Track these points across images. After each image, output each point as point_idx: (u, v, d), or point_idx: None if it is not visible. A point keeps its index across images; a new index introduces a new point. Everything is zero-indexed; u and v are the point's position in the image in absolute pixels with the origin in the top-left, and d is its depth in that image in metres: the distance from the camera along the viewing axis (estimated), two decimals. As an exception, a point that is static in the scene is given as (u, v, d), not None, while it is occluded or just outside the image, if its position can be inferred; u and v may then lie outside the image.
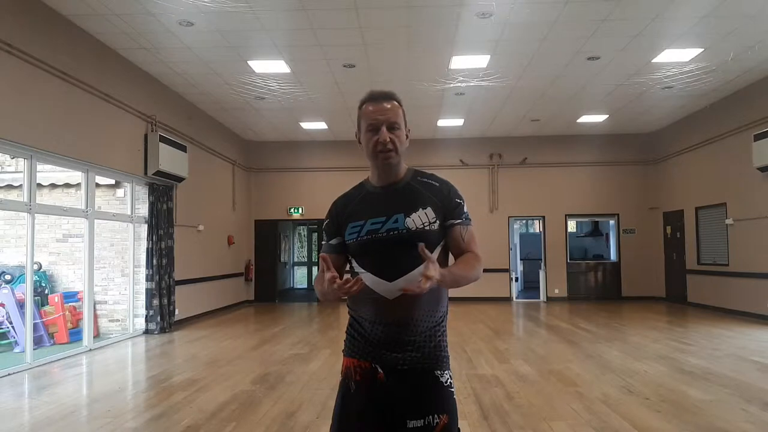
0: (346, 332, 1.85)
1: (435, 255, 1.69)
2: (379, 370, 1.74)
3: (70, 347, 7.35)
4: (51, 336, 8.03)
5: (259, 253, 13.46)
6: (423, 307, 1.72)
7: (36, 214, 6.27)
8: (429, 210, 1.74)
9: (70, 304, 8.40)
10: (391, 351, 1.72)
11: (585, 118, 11.54)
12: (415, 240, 1.66)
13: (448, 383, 1.75)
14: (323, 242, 1.90)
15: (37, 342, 7.35)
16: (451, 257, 1.81)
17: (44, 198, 8.47)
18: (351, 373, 1.78)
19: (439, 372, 1.74)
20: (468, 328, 8.66)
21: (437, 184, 1.81)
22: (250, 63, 8.01)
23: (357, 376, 1.76)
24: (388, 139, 1.72)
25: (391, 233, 1.72)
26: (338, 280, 1.56)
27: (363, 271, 1.75)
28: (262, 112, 10.70)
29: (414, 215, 1.73)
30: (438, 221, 1.75)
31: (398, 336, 1.71)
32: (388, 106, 1.76)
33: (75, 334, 8.03)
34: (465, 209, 1.80)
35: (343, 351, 1.85)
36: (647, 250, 12.96)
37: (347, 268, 1.85)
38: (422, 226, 1.72)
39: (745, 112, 9.45)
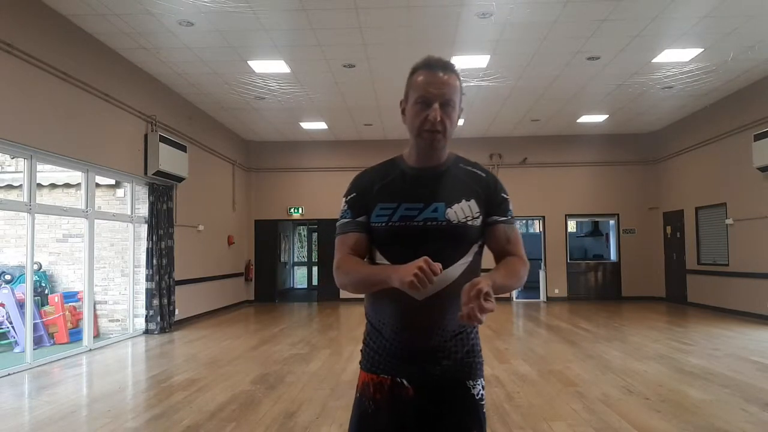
0: (363, 342, 1.64)
1: (471, 255, 1.54)
2: (406, 384, 1.53)
3: (70, 347, 7.35)
4: (51, 336, 8.03)
5: (259, 253, 13.46)
6: (456, 308, 1.45)
7: (36, 214, 6.27)
8: (473, 202, 1.54)
9: (70, 304, 8.40)
10: (418, 361, 1.52)
11: (585, 118, 11.54)
12: (456, 234, 1.49)
13: (479, 395, 1.56)
14: (345, 219, 1.60)
15: (37, 342, 7.34)
16: (485, 255, 1.62)
17: (44, 198, 8.48)
18: (369, 391, 1.57)
19: (471, 382, 1.55)
20: (468, 328, 8.64)
21: (483, 175, 1.61)
22: (250, 63, 8.01)
23: (376, 394, 1.55)
24: (439, 119, 1.49)
25: (429, 224, 1.50)
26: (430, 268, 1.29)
27: (386, 262, 1.53)
28: (262, 112, 10.70)
29: (456, 206, 1.52)
30: (481, 216, 1.55)
31: (427, 343, 1.51)
32: (446, 78, 1.51)
33: (75, 334, 8.03)
34: (511, 206, 1.61)
35: (360, 363, 1.64)
36: (647, 250, 12.96)
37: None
38: (464, 219, 1.52)
39: (745, 112, 9.45)
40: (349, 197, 1.61)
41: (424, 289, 1.30)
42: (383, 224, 1.53)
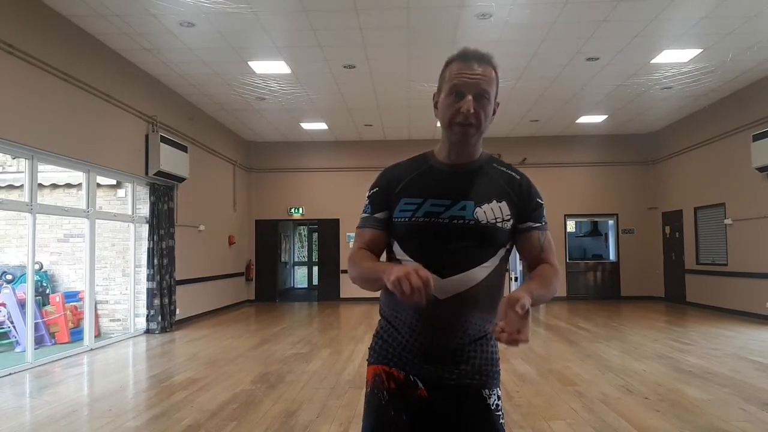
0: (374, 337, 1.56)
1: (497, 258, 1.46)
2: (420, 384, 1.45)
3: (71, 347, 7.37)
4: (52, 336, 8.05)
5: (260, 253, 13.48)
6: (477, 311, 1.44)
7: (37, 214, 6.30)
8: (504, 204, 1.46)
9: (71, 303, 8.42)
10: (435, 362, 1.44)
11: (584, 119, 11.56)
12: (484, 235, 1.42)
13: (495, 405, 1.47)
14: (365, 214, 1.55)
15: (38, 341, 7.36)
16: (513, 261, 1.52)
17: (45, 198, 8.50)
18: (383, 381, 1.48)
19: (486, 392, 1.46)
20: (468, 327, 8.67)
21: (518, 177, 1.53)
22: (251, 64, 8.03)
23: (390, 383, 1.47)
24: (472, 111, 1.41)
25: (456, 222, 1.43)
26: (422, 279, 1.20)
27: (408, 259, 1.45)
28: (263, 112, 10.72)
29: (486, 206, 1.44)
30: (512, 220, 1.47)
31: (445, 343, 1.43)
32: (481, 70, 1.44)
33: (76, 334, 8.05)
34: (545, 212, 1.54)
35: (368, 360, 1.56)
36: (646, 250, 12.98)
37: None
38: (494, 221, 1.44)
39: (743, 113, 9.47)
40: (371, 192, 1.56)
41: (410, 297, 1.20)
42: (406, 219, 1.46)
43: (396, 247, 1.50)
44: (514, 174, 1.53)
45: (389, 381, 1.48)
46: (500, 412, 1.49)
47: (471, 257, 1.42)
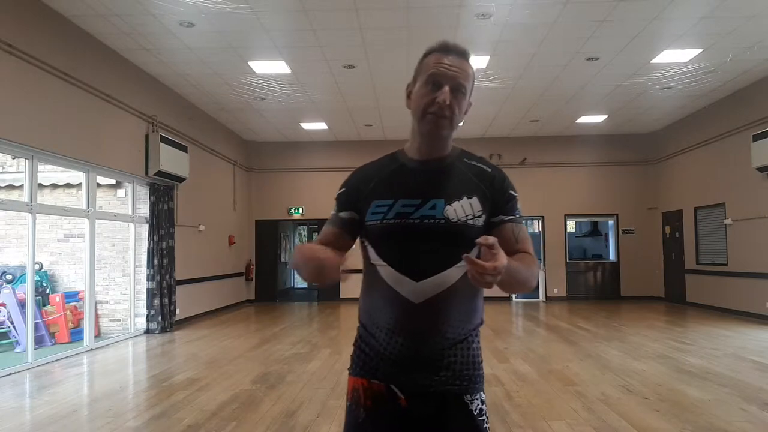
0: (354, 345, 1.53)
1: (474, 252, 1.35)
2: (399, 393, 1.41)
3: (71, 347, 7.37)
4: (52, 336, 8.05)
5: (260, 253, 13.48)
6: (455, 314, 1.40)
7: (37, 214, 6.29)
8: (475, 200, 1.42)
9: (71, 303, 8.42)
10: (414, 369, 1.40)
11: (584, 119, 11.56)
12: (454, 234, 1.39)
13: (478, 411, 1.43)
14: (332, 212, 1.54)
15: (38, 341, 7.36)
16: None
17: (45, 198, 8.50)
18: (360, 398, 1.46)
19: (468, 397, 1.42)
20: (468, 327, 8.67)
21: (489, 170, 1.49)
22: (251, 64, 8.03)
23: (367, 401, 1.44)
24: (448, 102, 1.38)
25: (426, 221, 1.39)
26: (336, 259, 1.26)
27: (382, 263, 1.42)
28: (263, 112, 10.72)
29: (456, 203, 1.41)
30: (484, 215, 1.43)
31: (423, 349, 1.39)
32: (460, 63, 1.41)
33: (76, 334, 8.05)
34: (519, 204, 1.49)
35: (349, 369, 1.52)
36: (646, 250, 12.98)
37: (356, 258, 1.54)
38: (465, 218, 1.40)
39: (743, 113, 9.47)
40: (339, 192, 1.55)
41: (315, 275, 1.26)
42: (378, 222, 1.43)
43: (371, 253, 1.46)
44: (485, 167, 1.50)
45: (366, 398, 1.44)
46: (484, 417, 1.44)
47: (444, 258, 1.38)
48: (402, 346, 1.40)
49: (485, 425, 1.44)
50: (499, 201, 1.46)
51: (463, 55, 1.43)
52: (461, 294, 1.38)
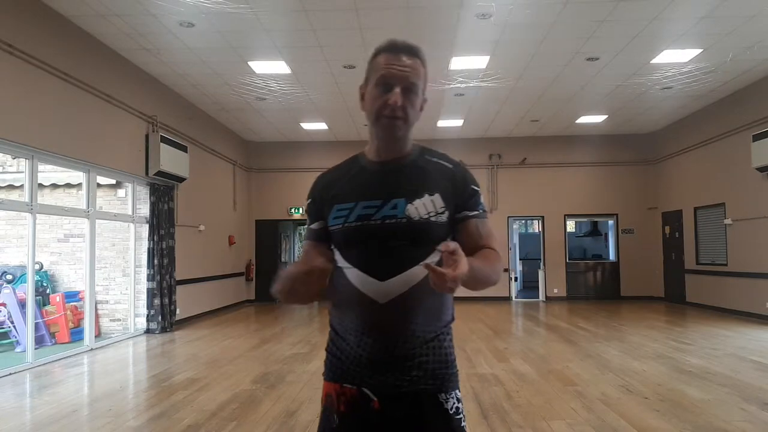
0: (326, 350, 1.51)
1: (437, 254, 1.36)
2: (372, 396, 1.39)
3: (72, 347, 7.37)
4: (52, 335, 8.05)
5: (260, 253, 13.49)
6: (422, 313, 1.39)
7: (37, 214, 6.30)
8: (437, 197, 1.41)
9: (71, 303, 8.42)
10: (385, 371, 1.38)
11: (584, 119, 11.56)
12: (417, 232, 1.38)
13: (455, 409, 1.41)
14: (306, 226, 1.55)
15: (39, 341, 7.37)
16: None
17: (45, 198, 8.50)
18: (333, 403, 1.43)
19: (444, 396, 1.40)
20: (467, 327, 8.68)
21: (450, 166, 1.48)
22: (251, 64, 8.03)
23: (341, 406, 1.42)
24: (400, 103, 1.37)
25: (387, 222, 1.38)
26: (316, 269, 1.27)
27: (348, 266, 1.41)
28: (263, 112, 10.72)
29: (418, 202, 1.39)
30: (447, 212, 1.42)
31: (393, 350, 1.37)
32: (409, 62, 1.39)
33: (76, 334, 8.06)
34: (482, 199, 1.49)
35: (323, 374, 1.50)
36: (646, 250, 12.98)
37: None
38: (427, 216, 1.39)
39: (743, 113, 9.47)
40: (306, 203, 1.55)
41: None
42: (340, 226, 1.42)
43: (337, 255, 1.46)
44: (446, 163, 1.48)
45: (339, 403, 1.42)
46: (461, 416, 1.42)
47: (408, 256, 1.37)
48: (372, 347, 1.38)
49: (462, 423, 1.42)
50: (462, 197, 1.45)
51: (413, 52, 1.41)
52: (428, 292, 1.30)
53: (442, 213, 1.41)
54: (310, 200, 1.54)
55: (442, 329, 1.44)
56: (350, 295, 1.40)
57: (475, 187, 1.48)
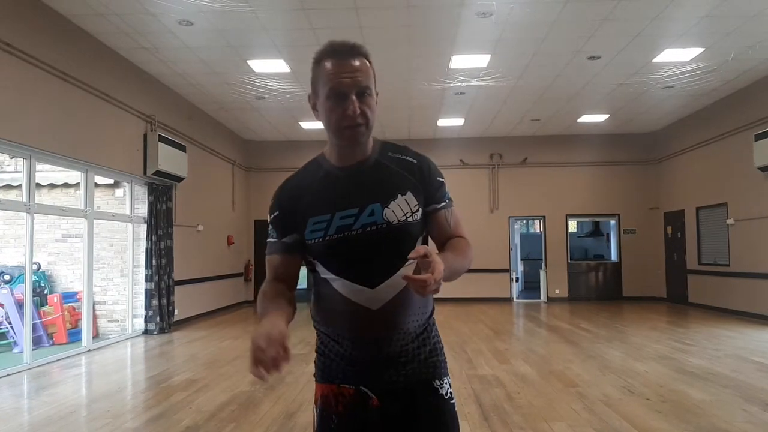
0: (316, 352, 1.51)
1: (412, 265, 1.38)
2: (371, 394, 1.41)
3: (69, 347, 7.33)
4: (50, 336, 8.02)
5: (259, 253, 13.43)
6: (413, 308, 1.42)
7: (35, 214, 6.26)
8: (409, 195, 1.40)
9: (69, 304, 8.38)
10: (381, 368, 1.41)
11: (585, 118, 11.53)
12: (398, 236, 1.38)
13: (448, 394, 1.46)
14: (270, 239, 1.46)
15: (36, 342, 7.33)
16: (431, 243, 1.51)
17: (43, 198, 8.47)
18: (331, 404, 1.44)
19: (438, 382, 1.45)
20: (468, 328, 8.64)
21: (414, 161, 1.46)
22: (250, 62, 8.00)
23: (339, 407, 1.43)
24: (359, 111, 1.34)
25: (369, 229, 1.36)
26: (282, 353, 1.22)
27: (334, 276, 1.40)
28: (262, 111, 10.69)
29: (393, 204, 1.38)
30: (420, 208, 1.42)
31: (388, 349, 1.40)
32: (357, 64, 1.35)
33: (74, 335, 8.02)
34: (447, 188, 1.50)
35: (314, 376, 1.51)
36: (648, 251, 12.94)
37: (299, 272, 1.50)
38: (404, 217, 1.38)
39: (745, 112, 9.43)
40: (272, 216, 1.47)
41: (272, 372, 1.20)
42: (320, 240, 1.39)
43: (319, 267, 1.43)
44: (410, 158, 1.46)
45: (337, 404, 1.43)
46: (454, 400, 1.48)
47: (393, 261, 1.37)
48: (368, 349, 1.40)
49: (455, 408, 1.47)
50: (429, 190, 1.45)
51: (356, 52, 1.36)
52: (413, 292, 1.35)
53: (417, 211, 1.41)
54: (277, 213, 1.46)
55: (428, 320, 1.48)
56: (341, 305, 1.39)
57: (441, 179, 1.48)
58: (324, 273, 1.43)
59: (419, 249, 1.21)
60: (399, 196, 1.40)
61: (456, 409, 1.48)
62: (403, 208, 1.39)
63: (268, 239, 1.48)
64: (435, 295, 1.33)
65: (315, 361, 1.51)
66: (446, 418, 1.44)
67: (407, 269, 1.37)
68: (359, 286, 1.37)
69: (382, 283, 1.37)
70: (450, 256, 1.34)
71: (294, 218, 1.43)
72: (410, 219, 1.40)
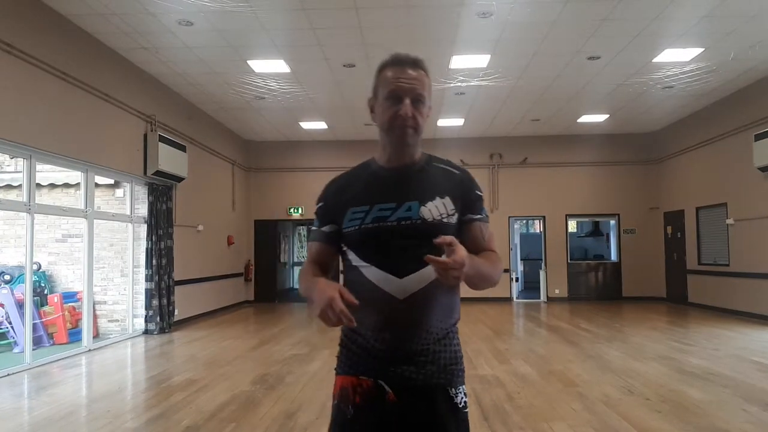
0: (340, 345, 1.58)
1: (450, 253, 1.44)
2: (387, 388, 1.47)
3: (70, 347, 7.34)
4: (50, 336, 8.02)
5: (259, 253, 13.45)
6: (438, 309, 1.48)
7: (35, 214, 6.26)
8: (447, 200, 1.51)
9: (69, 304, 8.38)
10: (401, 363, 1.46)
11: (585, 118, 11.53)
12: (431, 233, 1.43)
13: (463, 404, 1.51)
14: (313, 228, 1.62)
15: (37, 342, 7.33)
16: None
17: (43, 198, 8.47)
18: (349, 396, 1.50)
19: (453, 390, 1.50)
20: (468, 328, 8.64)
21: (457, 172, 1.58)
22: (250, 63, 8.00)
23: (357, 398, 1.49)
24: (411, 114, 1.47)
25: (403, 223, 1.47)
26: (342, 306, 1.28)
27: (365, 264, 1.49)
28: (262, 111, 10.69)
29: (430, 204, 1.49)
30: (456, 213, 1.52)
31: (409, 344, 1.46)
32: (415, 74, 1.50)
33: (74, 335, 8.02)
34: (484, 205, 1.60)
35: (335, 369, 1.57)
36: (648, 251, 12.94)
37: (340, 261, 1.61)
38: (440, 217, 1.48)
39: (745, 112, 9.43)
40: (317, 206, 1.62)
41: (337, 324, 1.29)
42: (356, 228, 1.50)
43: (351, 255, 1.53)
44: (453, 170, 1.59)
45: (355, 395, 1.49)
46: (467, 410, 1.53)
47: (422, 255, 1.38)
48: (390, 342, 1.46)
49: (467, 417, 1.52)
50: (467, 201, 1.55)
51: (417, 64, 1.52)
52: (441, 289, 1.44)
53: (453, 215, 1.51)
54: (321, 203, 1.61)
55: (452, 327, 1.54)
56: (368, 291, 1.45)
57: (479, 192, 1.58)
58: (355, 261, 1.52)
59: (446, 237, 1.29)
60: (437, 198, 1.51)
61: (468, 417, 1.52)
62: (440, 208, 1.50)
63: (312, 227, 1.64)
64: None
65: (337, 355, 1.58)
66: (456, 424, 1.48)
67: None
68: (388, 274, 1.45)
69: (410, 274, 1.44)
70: (478, 260, 1.42)
71: (335, 209, 1.56)
72: (445, 219, 1.49)
